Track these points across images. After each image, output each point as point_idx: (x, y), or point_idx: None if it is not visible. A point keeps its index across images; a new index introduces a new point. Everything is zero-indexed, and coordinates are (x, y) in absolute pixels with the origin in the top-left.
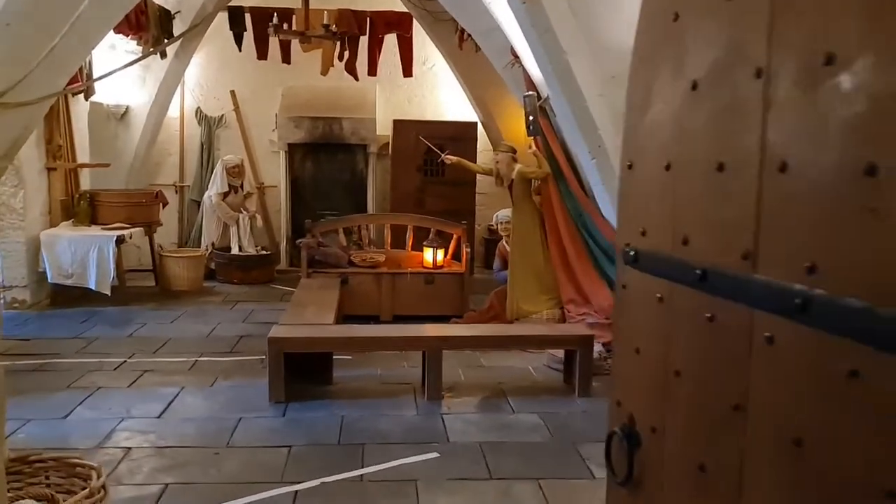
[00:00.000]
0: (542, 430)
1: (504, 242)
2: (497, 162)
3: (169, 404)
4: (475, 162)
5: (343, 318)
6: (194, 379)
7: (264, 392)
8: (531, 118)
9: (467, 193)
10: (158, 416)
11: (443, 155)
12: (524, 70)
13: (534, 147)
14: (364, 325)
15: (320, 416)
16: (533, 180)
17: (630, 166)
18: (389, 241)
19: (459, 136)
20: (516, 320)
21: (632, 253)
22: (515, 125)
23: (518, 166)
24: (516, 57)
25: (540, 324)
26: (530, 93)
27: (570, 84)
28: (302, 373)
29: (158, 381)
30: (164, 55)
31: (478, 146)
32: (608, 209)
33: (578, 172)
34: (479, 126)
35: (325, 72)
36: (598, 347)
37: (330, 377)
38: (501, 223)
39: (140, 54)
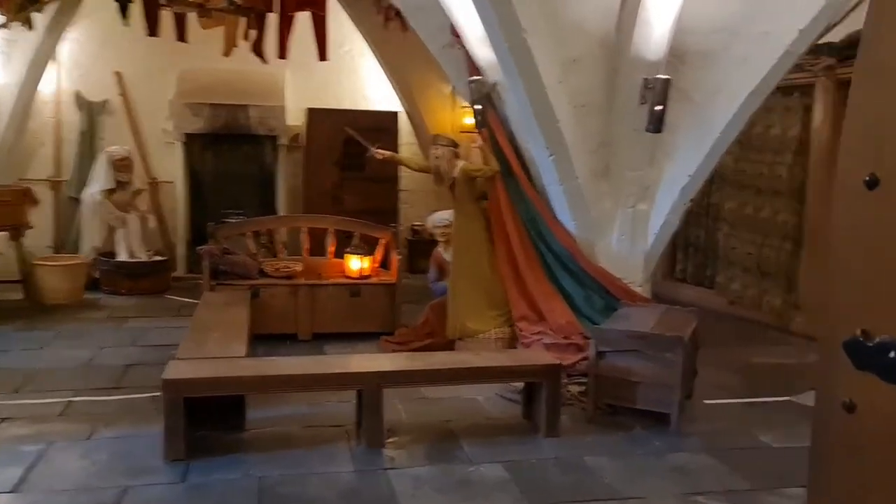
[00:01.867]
0: (511, 487)
1: (441, 249)
2: (436, 158)
3: (30, 469)
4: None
5: (254, 337)
6: (66, 429)
7: (158, 446)
8: (478, 108)
9: (389, 191)
10: (13, 490)
11: (372, 149)
12: (466, 52)
13: (479, 141)
14: (284, 359)
15: (232, 478)
16: (478, 179)
17: (872, 183)
18: (307, 247)
19: (380, 126)
20: (458, 340)
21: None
22: (442, 115)
23: (461, 163)
24: (457, 37)
25: (490, 347)
26: (476, 78)
27: (528, 68)
28: (207, 417)
29: (17, 433)
30: (31, 26)
31: (399, 138)
32: (564, 213)
33: (529, 170)
34: (403, 116)
35: (227, 52)
36: None
37: (242, 421)
38: (438, 227)
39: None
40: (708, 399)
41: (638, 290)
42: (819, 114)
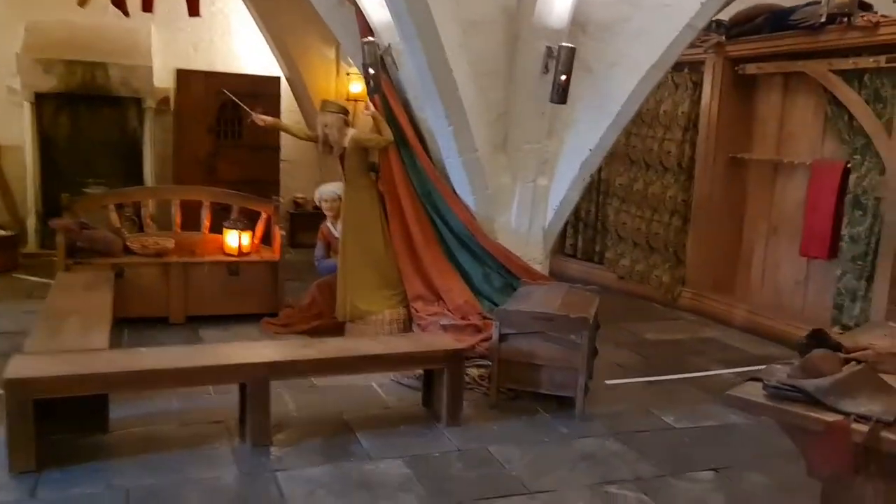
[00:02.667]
0: (414, 486)
1: (329, 224)
2: (325, 126)
3: None
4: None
5: (118, 322)
6: None
7: (2, 456)
8: (371, 72)
9: (270, 159)
10: None
11: (253, 114)
12: (358, 12)
13: (371, 108)
14: (154, 351)
15: (92, 492)
16: (371, 149)
17: None
18: (179, 221)
19: (259, 91)
20: (349, 322)
21: None
22: (326, 81)
23: (352, 131)
24: None
25: (384, 330)
26: (370, 39)
27: (427, 29)
28: (62, 419)
29: None
30: None
31: (281, 104)
32: (463, 187)
33: (425, 141)
34: (283, 81)
35: (83, 3)
36: None
37: (105, 422)
38: (326, 200)
39: None
40: (608, 379)
41: (537, 267)
42: (708, 91)
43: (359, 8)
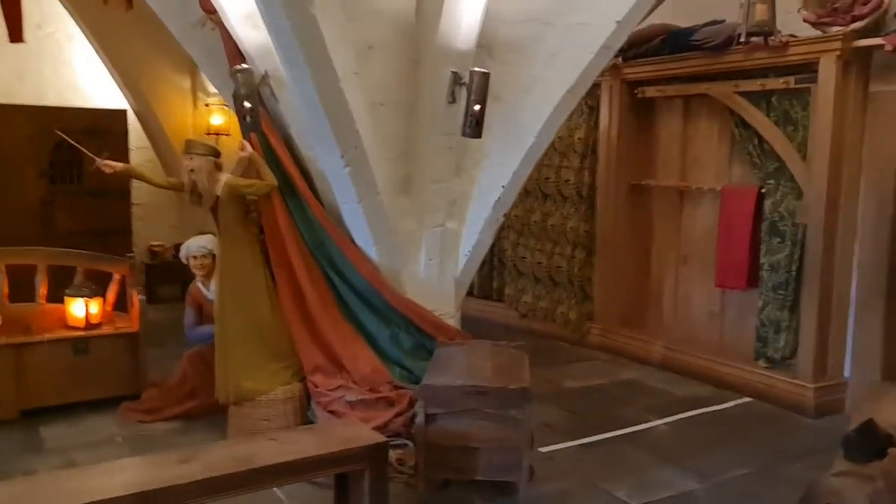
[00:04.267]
0: None
1: (200, 284)
2: (191, 171)
3: None
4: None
5: None
6: None
7: None
8: (247, 106)
9: (118, 206)
10: None
11: (98, 161)
12: (226, 33)
13: (248, 148)
14: None
15: None
16: (250, 197)
17: None
18: (6, 290)
19: (101, 128)
20: (233, 405)
21: None
22: (182, 115)
23: (225, 176)
24: (212, 12)
25: (278, 412)
26: (243, 67)
27: (318, 54)
28: None
29: None
30: None
31: (129, 141)
32: (364, 236)
33: (314, 184)
34: (130, 114)
35: None
36: None
37: None
38: (196, 257)
39: None
40: (541, 445)
41: (450, 322)
42: (606, 115)
43: (225, 30)
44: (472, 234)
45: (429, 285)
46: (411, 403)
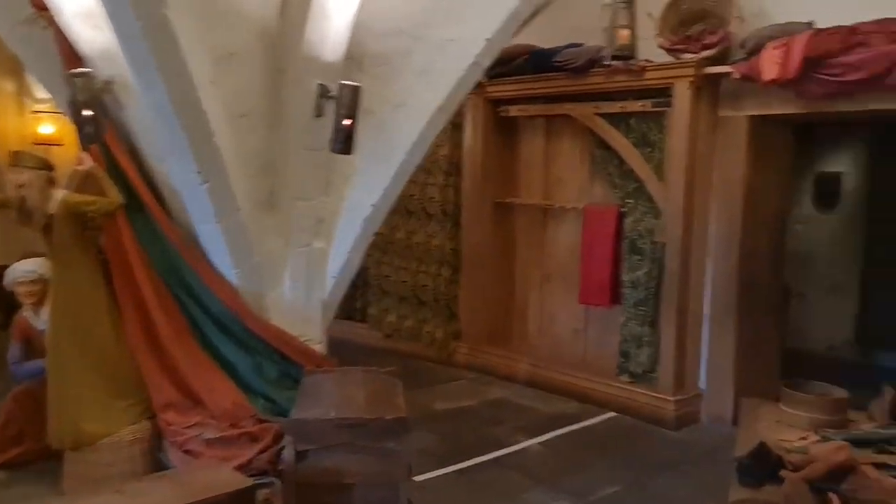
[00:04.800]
0: None
1: (27, 315)
2: (20, 186)
3: None
4: None
5: None
6: None
7: None
8: (87, 114)
9: None
10: None
11: None
12: (60, 34)
13: (87, 161)
14: None
15: None
16: (91, 216)
17: None
18: None
19: None
20: (69, 451)
21: None
22: (4, 122)
23: (60, 193)
24: (43, 9)
25: (124, 457)
26: (83, 71)
27: (171, 58)
28: None
29: None
30: None
31: None
32: (223, 258)
33: (165, 202)
34: None
35: None
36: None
37: None
38: (23, 283)
39: None
40: (415, 474)
41: (317, 348)
42: (470, 133)
43: (59, 30)
44: (340, 254)
45: (294, 309)
46: (277, 438)
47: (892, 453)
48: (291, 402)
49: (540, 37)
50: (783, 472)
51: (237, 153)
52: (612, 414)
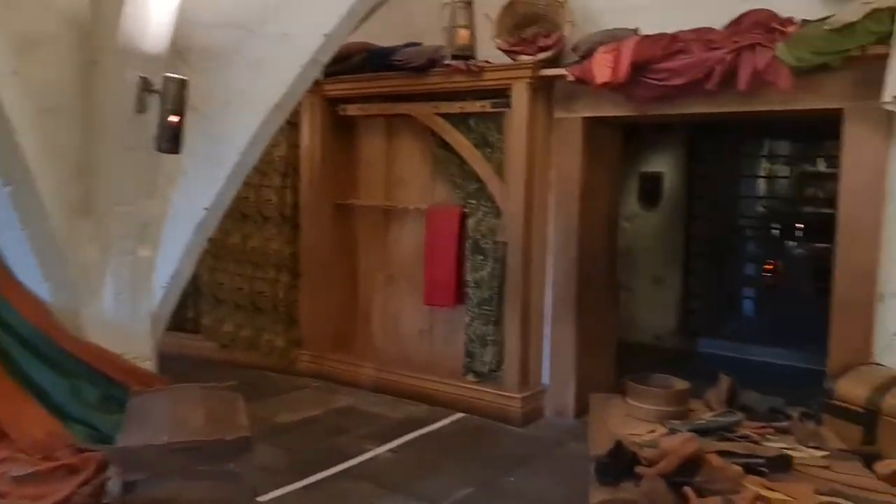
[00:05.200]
0: None
1: None
2: None
3: None
4: None
5: None
6: None
7: None
8: None
9: None
10: None
11: None
12: None
13: None
14: None
15: None
16: None
17: None
18: None
19: None
20: None
21: None
22: None
23: None
24: None
25: None
26: None
27: None
28: None
29: None
30: None
31: None
32: (31, 271)
33: None
34: None
35: None
36: None
37: None
38: None
39: None
40: (261, 493)
41: (146, 365)
42: (307, 133)
43: None
44: (169, 262)
45: (118, 324)
46: (100, 468)
47: (732, 440)
48: (117, 426)
49: (378, 35)
50: (639, 469)
51: (45, 152)
52: (461, 414)
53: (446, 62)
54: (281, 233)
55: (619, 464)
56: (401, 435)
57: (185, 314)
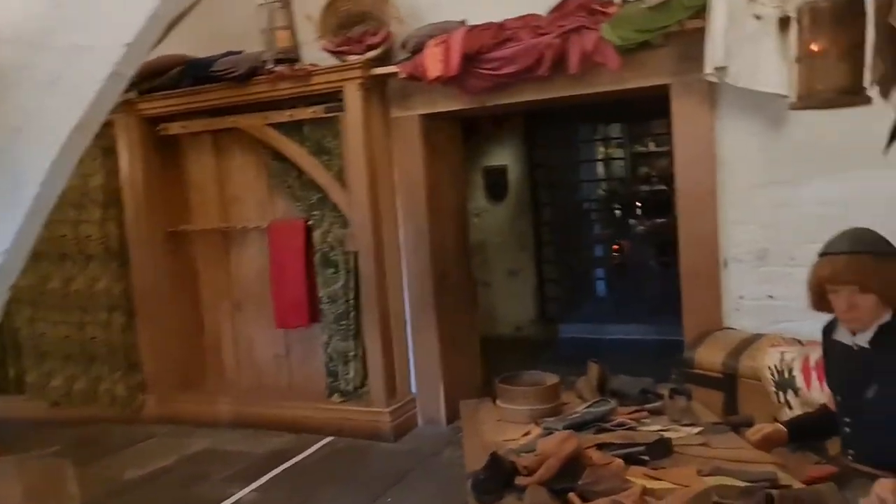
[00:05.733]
0: None
1: None
2: None
3: None
4: None
5: None
6: None
7: None
8: None
9: None
10: None
11: None
12: None
13: None
14: None
15: None
16: None
17: None
18: None
19: None
20: None
21: None
22: None
23: None
24: None
25: None
26: None
27: None
28: None
29: None
30: None
31: None
32: None
33: None
34: None
35: None
36: None
37: None
38: None
39: None
40: None
41: None
42: (126, 158)
43: None
44: None
45: None
46: None
47: (609, 430)
48: None
49: (194, 45)
50: (519, 480)
51: None
52: (330, 438)
53: (270, 68)
54: (108, 270)
55: (497, 477)
56: (267, 471)
57: (4, 374)
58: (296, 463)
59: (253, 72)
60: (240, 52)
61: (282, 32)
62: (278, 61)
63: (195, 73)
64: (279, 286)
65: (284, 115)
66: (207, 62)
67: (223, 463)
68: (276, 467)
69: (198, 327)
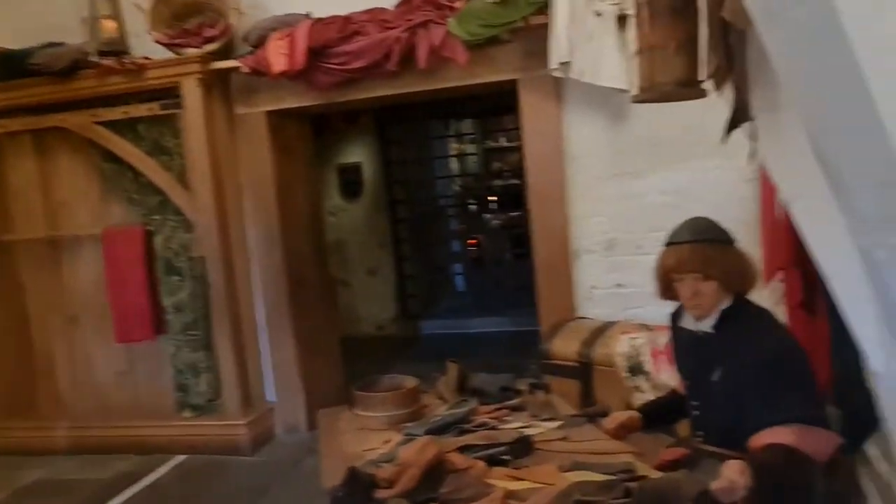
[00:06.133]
0: None
1: None
2: None
3: None
4: None
5: None
6: None
7: None
8: None
9: None
10: None
11: None
12: None
13: None
14: None
15: None
16: None
17: None
18: None
19: None
20: None
21: None
22: None
23: None
24: None
25: None
26: None
27: None
28: None
29: None
30: None
31: None
32: None
33: None
34: None
35: None
36: None
37: None
38: None
39: None
40: None
41: None
42: None
43: None
44: None
45: None
46: None
47: (471, 431)
48: None
49: (8, 37)
50: (379, 493)
51: None
52: (182, 457)
53: (94, 60)
54: None
55: (357, 492)
56: (112, 497)
57: None
58: (143, 487)
59: (75, 65)
60: (61, 45)
61: (106, 22)
62: (103, 53)
63: (10, 66)
64: (117, 298)
65: (117, 113)
66: (23, 54)
67: (63, 493)
68: (120, 493)
69: (26, 347)
